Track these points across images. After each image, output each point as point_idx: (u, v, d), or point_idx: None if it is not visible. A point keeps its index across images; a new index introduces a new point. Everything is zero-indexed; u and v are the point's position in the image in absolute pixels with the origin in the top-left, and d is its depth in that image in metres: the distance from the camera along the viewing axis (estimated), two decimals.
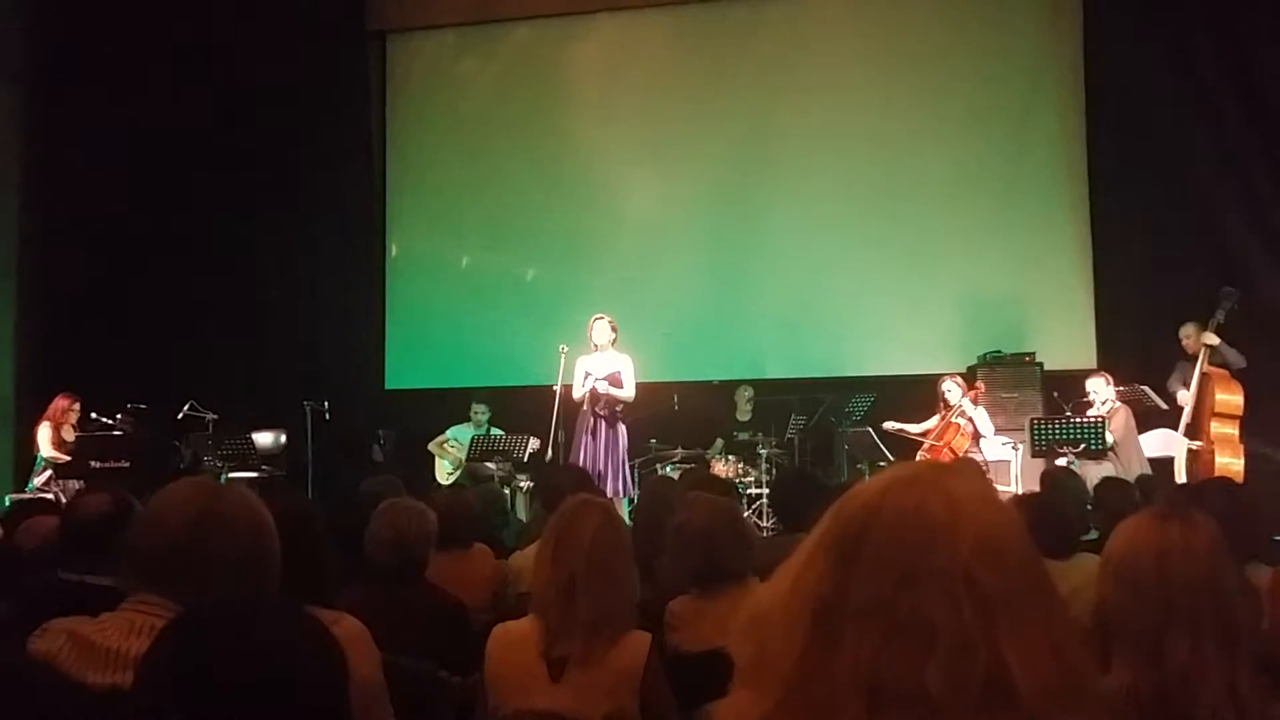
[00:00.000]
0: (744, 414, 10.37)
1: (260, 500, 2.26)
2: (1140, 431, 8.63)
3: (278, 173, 11.11)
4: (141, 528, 2.23)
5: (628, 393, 8.80)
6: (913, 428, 9.17)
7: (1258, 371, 8.57)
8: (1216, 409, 8.44)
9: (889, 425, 9.20)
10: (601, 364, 8.80)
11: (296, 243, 11.18)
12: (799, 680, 1.09)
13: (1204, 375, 8.50)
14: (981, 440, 8.93)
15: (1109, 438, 8.29)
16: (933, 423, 9.13)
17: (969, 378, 9.34)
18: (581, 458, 8.63)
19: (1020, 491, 8.05)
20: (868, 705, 1.05)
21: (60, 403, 9.36)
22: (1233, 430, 8.44)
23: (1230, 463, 8.35)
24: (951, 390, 9.03)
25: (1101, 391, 8.53)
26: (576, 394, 8.83)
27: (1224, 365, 8.50)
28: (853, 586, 1.09)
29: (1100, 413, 8.42)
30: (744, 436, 10.10)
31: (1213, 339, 8.48)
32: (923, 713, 1.03)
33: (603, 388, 8.70)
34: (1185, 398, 8.59)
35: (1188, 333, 8.63)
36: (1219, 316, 8.48)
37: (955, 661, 1.04)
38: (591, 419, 8.76)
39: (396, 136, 11.94)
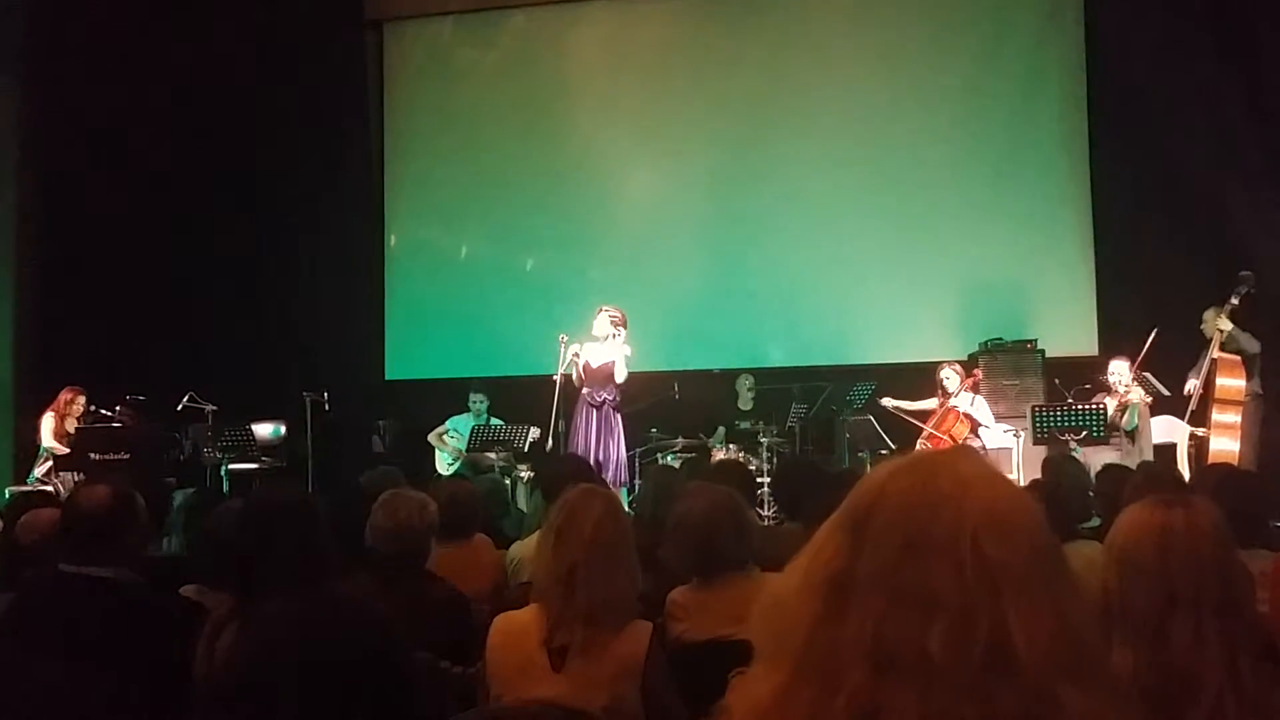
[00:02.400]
0: (745, 403, 10.36)
1: None
2: None
3: (276, 163, 11.08)
4: None
5: (618, 374, 8.80)
6: (909, 404, 9.18)
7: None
8: (1217, 395, 8.45)
9: (887, 402, 9.21)
10: (597, 353, 8.83)
11: (295, 233, 11.17)
12: (809, 651, 1.10)
13: (1212, 361, 8.50)
14: (981, 428, 8.94)
15: (1133, 422, 8.27)
16: (931, 403, 9.14)
17: (968, 365, 9.33)
18: (578, 446, 8.65)
19: (1022, 478, 8.04)
20: (873, 671, 1.06)
21: (65, 395, 9.36)
22: (1233, 417, 8.44)
23: (1227, 448, 8.35)
24: (950, 378, 9.04)
25: (1123, 375, 8.50)
26: (575, 377, 8.83)
27: (1239, 350, 8.49)
28: (860, 559, 1.11)
29: (1135, 399, 8.38)
30: (745, 425, 10.09)
31: (1227, 324, 8.47)
32: (925, 678, 1.04)
33: (595, 362, 8.73)
34: (1193, 385, 8.59)
35: (1208, 316, 8.62)
36: (1234, 300, 8.47)
37: (957, 627, 1.05)
38: (584, 406, 8.79)
39: (394, 126, 11.92)
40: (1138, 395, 8.40)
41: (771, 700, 1.11)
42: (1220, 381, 8.45)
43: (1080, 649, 1.07)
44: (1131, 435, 8.31)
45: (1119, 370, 8.52)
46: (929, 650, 1.04)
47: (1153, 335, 8.49)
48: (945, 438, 8.77)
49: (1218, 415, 8.45)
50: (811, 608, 1.11)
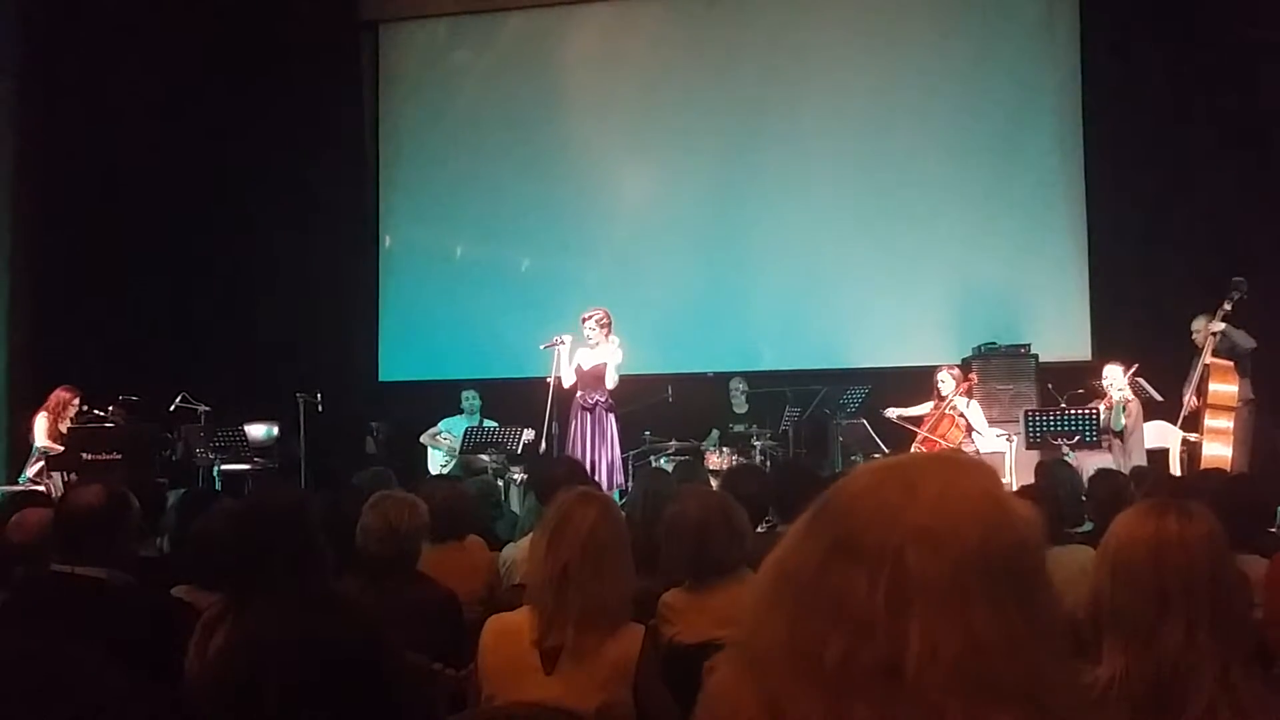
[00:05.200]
0: (740, 406, 10.36)
1: None
2: None
3: (271, 163, 11.07)
4: None
5: (608, 380, 8.81)
6: (909, 411, 9.17)
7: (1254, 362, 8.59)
8: (1210, 400, 8.46)
9: (891, 412, 9.18)
10: (589, 356, 8.84)
11: (290, 234, 11.15)
12: (751, 648, 1.11)
13: (1205, 366, 8.51)
14: (975, 433, 8.92)
15: (1121, 421, 8.29)
16: (927, 407, 9.13)
17: (965, 370, 9.33)
18: (572, 448, 8.65)
19: (1014, 483, 8.04)
20: (791, 672, 1.06)
21: (61, 395, 9.31)
22: (1225, 422, 8.44)
23: (1220, 454, 8.37)
24: (945, 381, 9.03)
25: (1118, 380, 8.51)
26: (566, 383, 8.86)
27: (1232, 349, 8.50)
28: (795, 558, 1.11)
29: (1124, 398, 8.39)
30: (739, 429, 10.09)
31: (1219, 325, 8.48)
32: (820, 682, 1.05)
33: (587, 364, 8.75)
34: (1188, 391, 8.61)
35: (1197, 326, 8.63)
36: (1227, 305, 8.48)
37: (854, 636, 1.04)
38: (577, 409, 8.80)
39: (390, 127, 11.92)
40: (1125, 395, 8.42)
41: (716, 689, 1.13)
42: (1213, 387, 8.46)
43: (997, 671, 1.05)
44: (1120, 435, 8.32)
45: (1113, 375, 8.53)
46: (824, 655, 1.04)
47: (1133, 369, 8.52)
48: (939, 441, 8.76)
49: (1210, 421, 8.47)
50: (760, 604, 1.12)
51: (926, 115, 10.56)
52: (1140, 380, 8.73)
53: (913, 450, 8.69)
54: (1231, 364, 8.51)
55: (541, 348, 8.96)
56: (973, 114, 10.51)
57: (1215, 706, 1.88)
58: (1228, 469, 7.87)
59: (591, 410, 8.82)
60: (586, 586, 2.78)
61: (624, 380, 8.96)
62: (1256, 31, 8.92)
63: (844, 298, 10.64)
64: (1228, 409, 8.45)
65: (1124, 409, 8.32)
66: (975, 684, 1.03)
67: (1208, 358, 8.52)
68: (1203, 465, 8.18)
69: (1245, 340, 8.50)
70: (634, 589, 3.00)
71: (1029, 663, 1.06)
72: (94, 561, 3.15)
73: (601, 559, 2.83)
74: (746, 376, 10.49)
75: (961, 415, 8.93)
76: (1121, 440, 8.30)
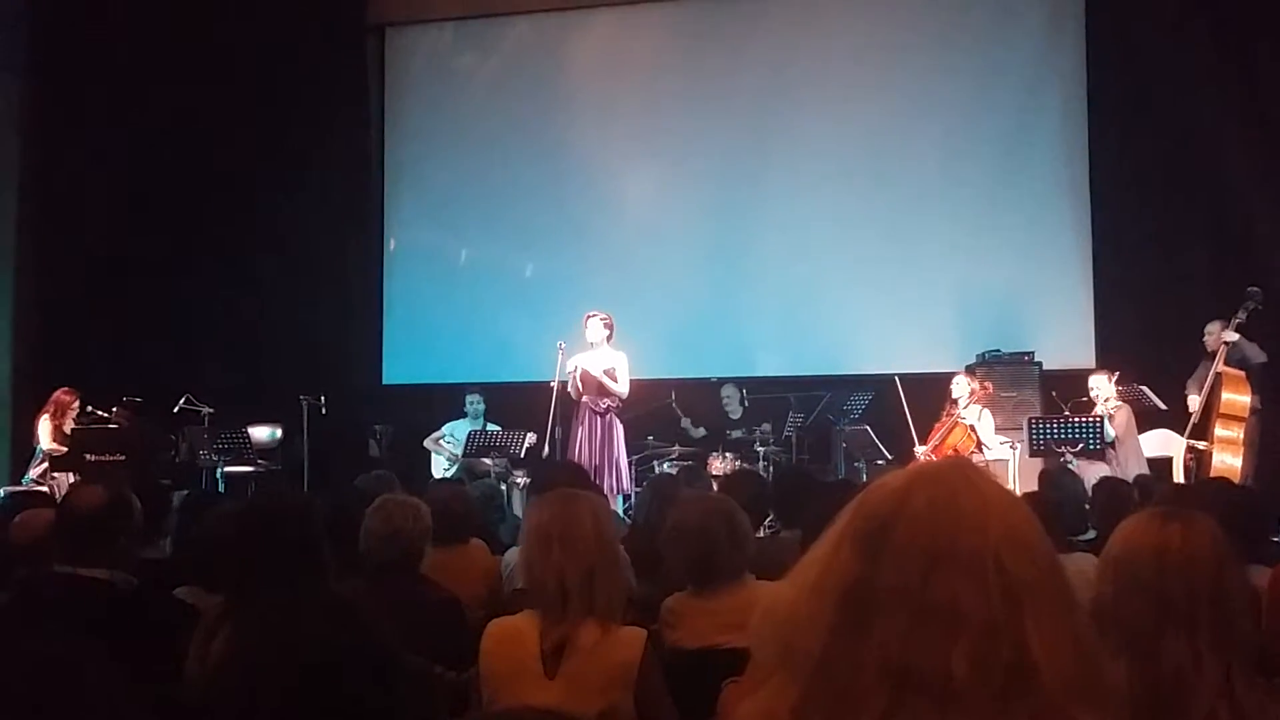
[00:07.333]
0: (734, 412, 10.35)
1: None
2: (1140, 431, 8.60)
3: (276, 166, 11.08)
4: None
5: (620, 388, 8.82)
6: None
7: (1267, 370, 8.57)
8: (1221, 409, 8.40)
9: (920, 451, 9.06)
10: (595, 361, 8.83)
11: (294, 236, 11.16)
12: (825, 667, 1.09)
13: (1217, 375, 8.48)
14: (984, 446, 8.87)
15: (1110, 433, 8.27)
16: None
17: (980, 378, 9.23)
18: (576, 453, 8.65)
19: (1017, 490, 8.00)
20: (894, 689, 1.05)
21: (61, 398, 9.34)
22: (1236, 432, 8.40)
23: (1229, 464, 8.33)
24: (959, 384, 8.97)
25: (1104, 389, 8.50)
26: (571, 388, 8.86)
27: (1242, 361, 8.48)
28: (880, 573, 1.10)
29: (1108, 410, 8.38)
30: (738, 434, 10.08)
31: (1232, 335, 8.46)
32: (945, 697, 1.04)
33: (596, 369, 8.75)
34: (1195, 400, 8.57)
35: (1211, 330, 8.61)
36: (1241, 315, 8.46)
37: (981, 645, 1.04)
38: (586, 413, 8.79)
39: (395, 131, 11.92)
40: (1109, 407, 8.40)
41: (789, 718, 1.11)
42: (1226, 396, 8.41)
43: (1092, 666, 1.06)
44: (1112, 445, 8.30)
45: (1099, 384, 8.53)
46: (952, 670, 1.03)
47: (1116, 376, 8.56)
48: (949, 450, 8.70)
49: (1221, 430, 8.41)
50: (825, 620, 1.10)
51: (931, 121, 10.54)
52: (1144, 388, 8.70)
53: (921, 458, 8.65)
54: (1243, 374, 8.48)
55: (570, 383, 8.91)
56: (977, 120, 10.49)
57: (1216, 715, 1.87)
58: (1237, 479, 7.82)
59: (603, 415, 8.82)
60: (588, 590, 2.78)
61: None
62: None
63: (848, 304, 10.62)
64: (1239, 419, 8.42)
65: (1109, 419, 8.29)
66: (1091, 687, 1.05)
67: (1220, 366, 8.49)
68: (1212, 474, 8.13)
69: (1256, 355, 8.48)
70: (630, 589, 3.00)
71: (1103, 653, 1.08)
72: (96, 562, 3.15)
73: (601, 561, 2.83)
74: (747, 382, 10.48)
75: (973, 427, 8.86)
76: (1114, 450, 8.28)
